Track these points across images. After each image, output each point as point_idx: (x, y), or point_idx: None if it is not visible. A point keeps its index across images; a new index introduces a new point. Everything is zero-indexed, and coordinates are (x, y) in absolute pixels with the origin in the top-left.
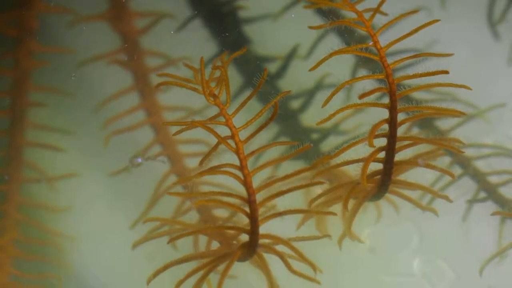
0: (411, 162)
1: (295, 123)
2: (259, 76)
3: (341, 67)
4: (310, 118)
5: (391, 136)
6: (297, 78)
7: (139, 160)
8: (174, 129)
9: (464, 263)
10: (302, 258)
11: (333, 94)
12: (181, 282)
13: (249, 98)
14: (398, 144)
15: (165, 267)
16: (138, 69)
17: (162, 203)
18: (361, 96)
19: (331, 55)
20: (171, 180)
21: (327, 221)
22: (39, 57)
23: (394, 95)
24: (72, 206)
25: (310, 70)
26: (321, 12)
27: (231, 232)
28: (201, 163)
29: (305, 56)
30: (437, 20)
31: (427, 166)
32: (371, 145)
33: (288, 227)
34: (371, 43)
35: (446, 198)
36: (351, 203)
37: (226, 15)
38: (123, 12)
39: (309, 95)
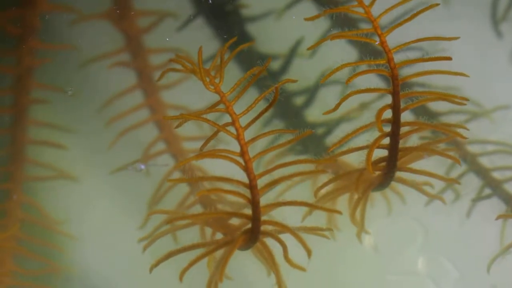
0: (416, 148)
1: (299, 119)
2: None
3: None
4: (314, 114)
5: (395, 122)
6: (300, 75)
7: (142, 166)
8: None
9: (468, 262)
10: (303, 244)
11: (331, 73)
12: (185, 270)
13: (249, 85)
14: (402, 130)
15: (168, 256)
16: (141, 67)
17: (166, 200)
18: (349, 80)
19: (331, 38)
20: (175, 177)
21: (333, 215)
22: (42, 56)
23: (397, 80)
24: (74, 207)
25: (308, 49)
26: (323, 8)
27: (235, 224)
28: (201, 149)
29: (308, 53)
30: (437, 4)
31: (432, 152)
32: (380, 129)
33: (295, 219)
34: (377, 43)
35: (455, 181)
36: (356, 196)
37: (228, 13)
38: (126, 11)
39: (312, 92)
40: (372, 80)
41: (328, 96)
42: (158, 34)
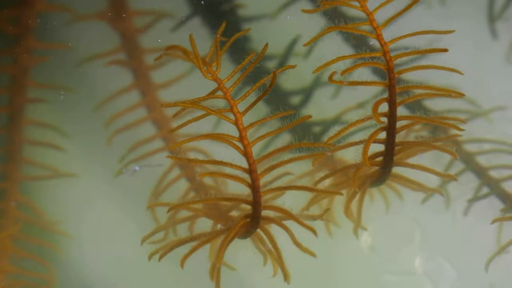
0: (413, 143)
1: (295, 119)
2: (257, 73)
3: (340, 62)
4: (311, 113)
5: (391, 115)
6: (297, 75)
7: (137, 168)
8: (176, 123)
9: (465, 261)
10: (304, 226)
11: (326, 65)
12: (186, 257)
13: (247, 71)
14: (399, 124)
15: (171, 248)
16: (137, 67)
17: (165, 196)
18: (343, 72)
19: (328, 29)
20: (175, 173)
21: (331, 213)
22: (39, 55)
23: (392, 73)
24: (71, 206)
25: (305, 45)
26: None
27: (236, 216)
28: (180, 125)
29: (304, 53)
30: None
31: (429, 146)
32: (377, 120)
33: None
34: (374, 37)
35: (452, 177)
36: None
37: (224, 13)
38: (122, 11)
39: (309, 91)
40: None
41: (324, 96)
42: (154, 34)
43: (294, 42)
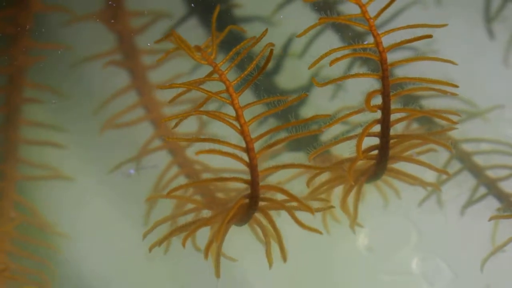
0: (408, 136)
1: (293, 117)
2: (255, 73)
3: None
4: (307, 111)
5: (385, 107)
6: (293, 74)
7: (131, 171)
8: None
9: (462, 262)
10: (302, 205)
11: (320, 59)
12: (187, 237)
13: (241, 55)
14: (393, 118)
15: (170, 234)
16: (135, 67)
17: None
18: (332, 62)
19: (319, 20)
20: (174, 171)
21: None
22: (35, 55)
23: (385, 64)
24: (68, 206)
25: (298, 36)
26: (316, 7)
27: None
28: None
29: (300, 52)
30: None
31: (424, 139)
32: (370, 109)
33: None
34: (367, 28)
35: (445, 172)
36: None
37: (221, 13)
38: (119, 11)
39: (305, 90)
40: (366, 82)
41: (320, 95)
42: (151, 35)
43: (290, 42)
